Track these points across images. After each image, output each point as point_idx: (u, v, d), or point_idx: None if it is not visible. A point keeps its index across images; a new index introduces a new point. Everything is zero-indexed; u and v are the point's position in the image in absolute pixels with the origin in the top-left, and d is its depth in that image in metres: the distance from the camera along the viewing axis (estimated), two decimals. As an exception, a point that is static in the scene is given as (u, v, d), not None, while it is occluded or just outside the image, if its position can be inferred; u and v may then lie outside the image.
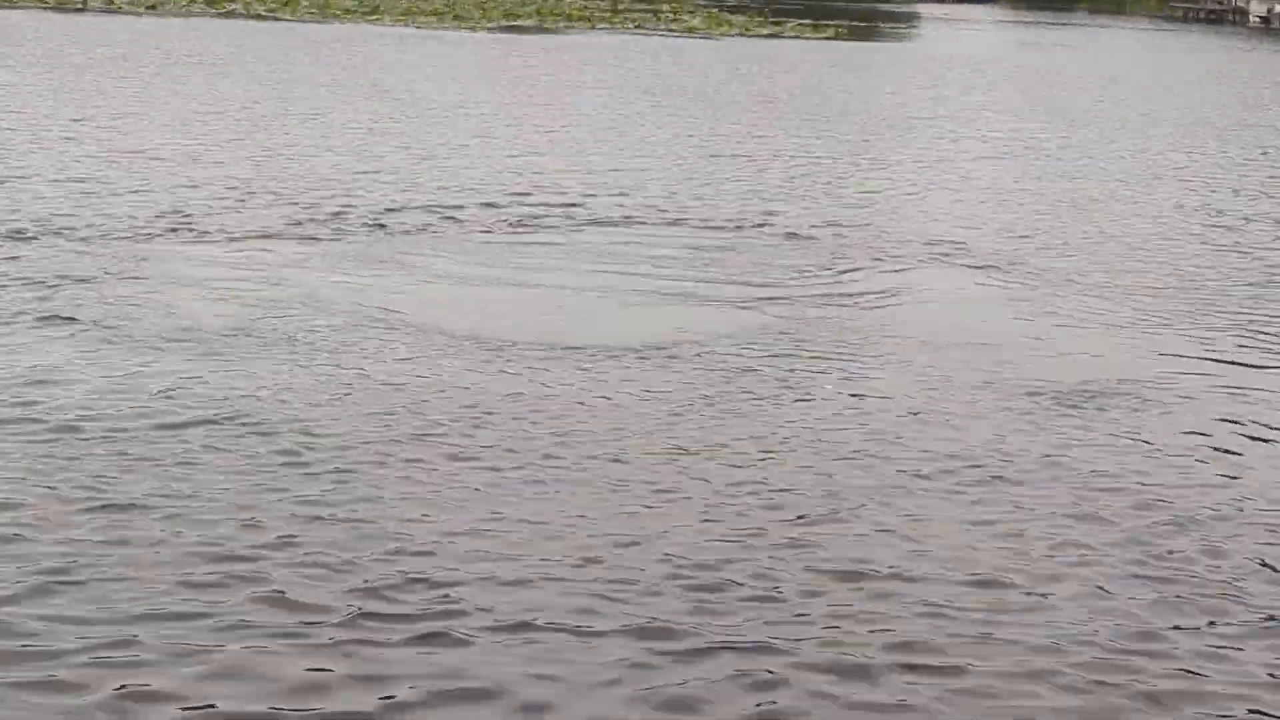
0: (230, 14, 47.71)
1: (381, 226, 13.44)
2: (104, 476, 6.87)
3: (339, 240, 12.77)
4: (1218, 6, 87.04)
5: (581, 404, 8.39)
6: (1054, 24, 76.11)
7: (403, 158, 17.63)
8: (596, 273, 12.09)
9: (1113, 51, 53.76)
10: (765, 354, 9.65)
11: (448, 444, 7.56)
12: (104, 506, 6.52)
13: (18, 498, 6.56)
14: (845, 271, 12.44)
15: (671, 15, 58.30)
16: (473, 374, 8.86)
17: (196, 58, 30.08)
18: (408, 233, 13.25)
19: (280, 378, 8.55)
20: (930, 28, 67.67)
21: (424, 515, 6.61)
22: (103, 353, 8.91)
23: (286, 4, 52.13)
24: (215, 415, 7.81)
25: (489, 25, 48.05)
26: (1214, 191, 18.22)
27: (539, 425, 7.94)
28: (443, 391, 8.45)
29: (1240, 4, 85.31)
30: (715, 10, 62.88)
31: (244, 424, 7.69)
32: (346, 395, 8.31)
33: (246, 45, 34.41)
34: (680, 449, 7.69)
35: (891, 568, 6.28)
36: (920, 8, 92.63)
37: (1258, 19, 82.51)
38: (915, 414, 8.51)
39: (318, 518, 6.53)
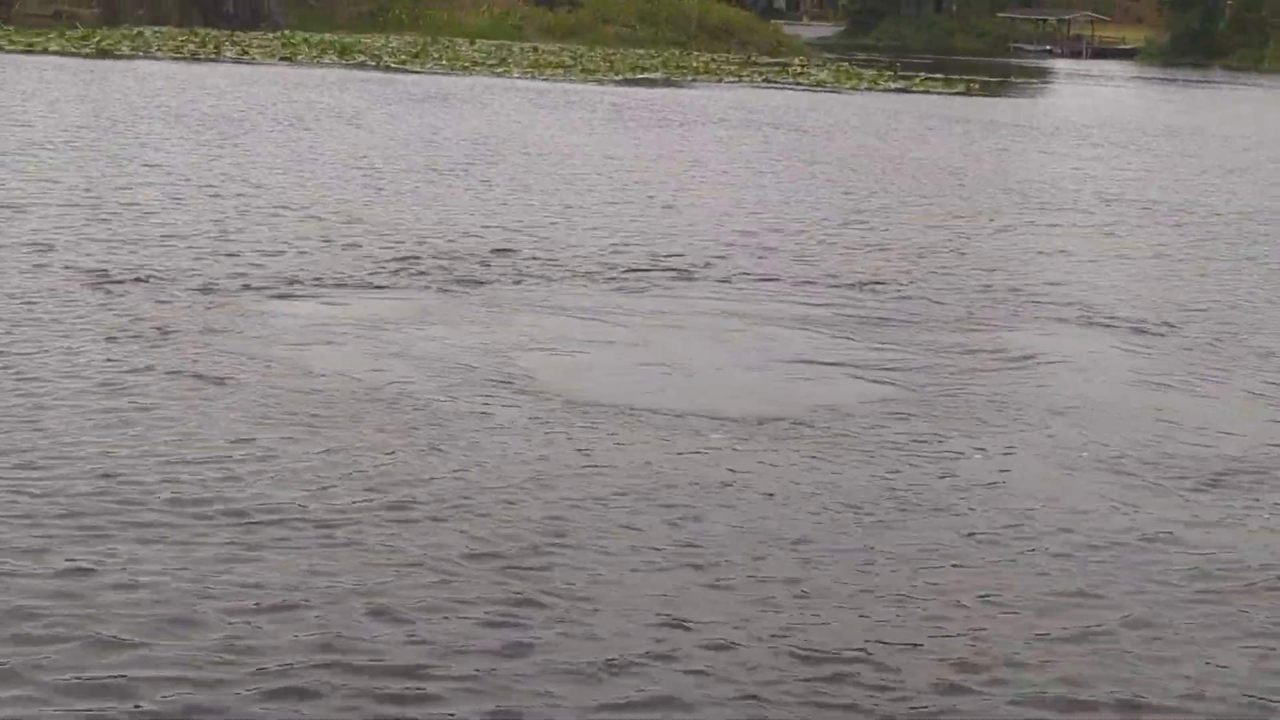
0: (361, 65, 48.01)
1: (507, 279, 13.02)
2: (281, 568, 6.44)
3: (465, 294, 12.34)
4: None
5: (722, 482, 7.84)
6: (1196, 82, 74.73)
7: (532, 211, 17.24)
8: (721, 333, 11.57)
9: (1262, 110, 52.50)
10: (899, 421, 9.07)
11: (629, 537, 7.00)
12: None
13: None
14: (983, 334, 11.80)
15: (799, 69, 57.94)
16: (624, 448, 8.36)
17: (331, 110, 30.06)
18: (532, 286, 12.79)
19: (427, 458, 8.05)
20: (1065, 84, 66.61)
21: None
22: (252, 427, 8.49)
23: (416, 55, 52.50)
24: (376, 499, 7.31)
25: (616, 78, 47.92)
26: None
27: (702, 503, 7.43)
28: (593, 468, 7.93)
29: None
30: (845, 64, 62.48)
31: (412, 511, 7.21)
32: (499, 472, 7.80)
33: (377, 95, 34.41)
34: (822, 522, 7.13)
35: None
36: (1054, 63, 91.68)
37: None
38: (1058, 492, 7.89)
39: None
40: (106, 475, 7.37)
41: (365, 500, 7.24)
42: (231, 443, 7.99)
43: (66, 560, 6.31)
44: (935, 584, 6.55)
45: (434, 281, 12.86)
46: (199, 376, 9.31)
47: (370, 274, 13.04)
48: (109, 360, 9.60)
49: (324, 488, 7.38)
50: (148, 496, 7.11)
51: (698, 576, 6.52)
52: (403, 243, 14.61)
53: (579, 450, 8.23)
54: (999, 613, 6.28)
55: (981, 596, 6.44)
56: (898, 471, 8.14)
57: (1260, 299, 14.07)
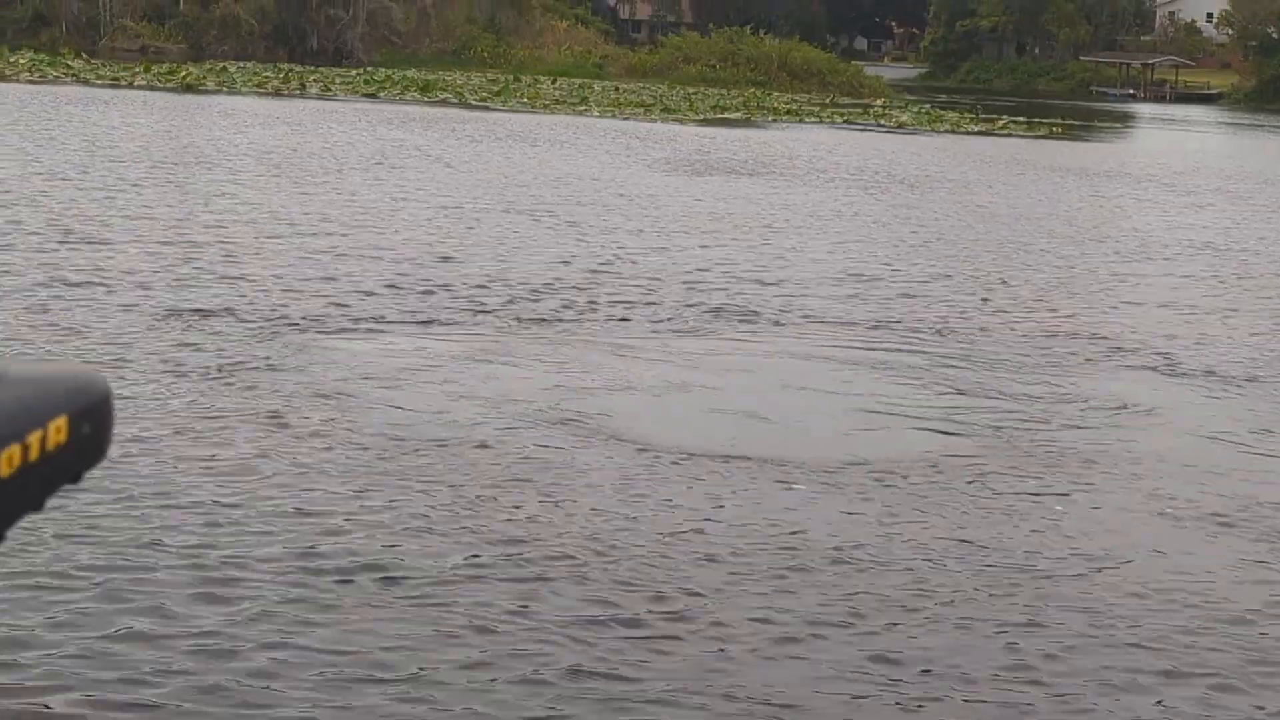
0: (443, 102, 48.27)
1: (593, 320, 12.94)
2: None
3: (549, 335, 12.26)
4: None
5: (804, 532, 7.69)
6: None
7: (612, 252, 17.16)
8: (797, 377, 11.43)
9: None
10: (982, 471, 8.88)
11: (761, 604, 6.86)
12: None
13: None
14: (1069, 383, 11.57)
15: (881, 111, 57.72)
16: (719, 500, 8.22)
17: (416, 148, 30.18)
18: (617, 329, 12.69)
19: (529, 511, 7.94)
20: (1150, 128, 66.00)
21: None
22: (352, 477, 8.42)
23: (498, 93, 52.76)
24: (492, 555, 7.17)
25: (696, 118, 47.90)
26: None
27: (812, 561, 7.27)
28: (698, 523, 7.79)
29: None
30: (927, 106, 62.19)
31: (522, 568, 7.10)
32: (607, 528, 7.65)
33: (461, 134, 34.53)
34: (915, 577, 6.96)
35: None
36: (1137, 107, 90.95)
37: None
38: (1147, 548, 7.69)
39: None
40: (212, 524, 7.26)
41: (480, 556, 7.11)
42: (334, 494, 7.88)
43: (192, 627, 6.21)
44: (1043, 658, 6.38)
45: (518, 322, 12.80)
46: (292, 421, 9.27)
47: (457, 314, 13.01)
48: (202, 403, 9.57)
49: (434, 541, 7.27)
50: (254, 550, 7.00)
51: (826, 650, 6.39)
52: (490, 283, 14.57)
53: (681, 504, 8.05)
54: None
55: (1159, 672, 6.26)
56: (993, 528, 7.97)
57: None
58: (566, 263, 16.14)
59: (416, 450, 8.72)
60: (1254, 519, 8.33)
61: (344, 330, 12.11)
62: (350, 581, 6.66)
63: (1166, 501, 8.58)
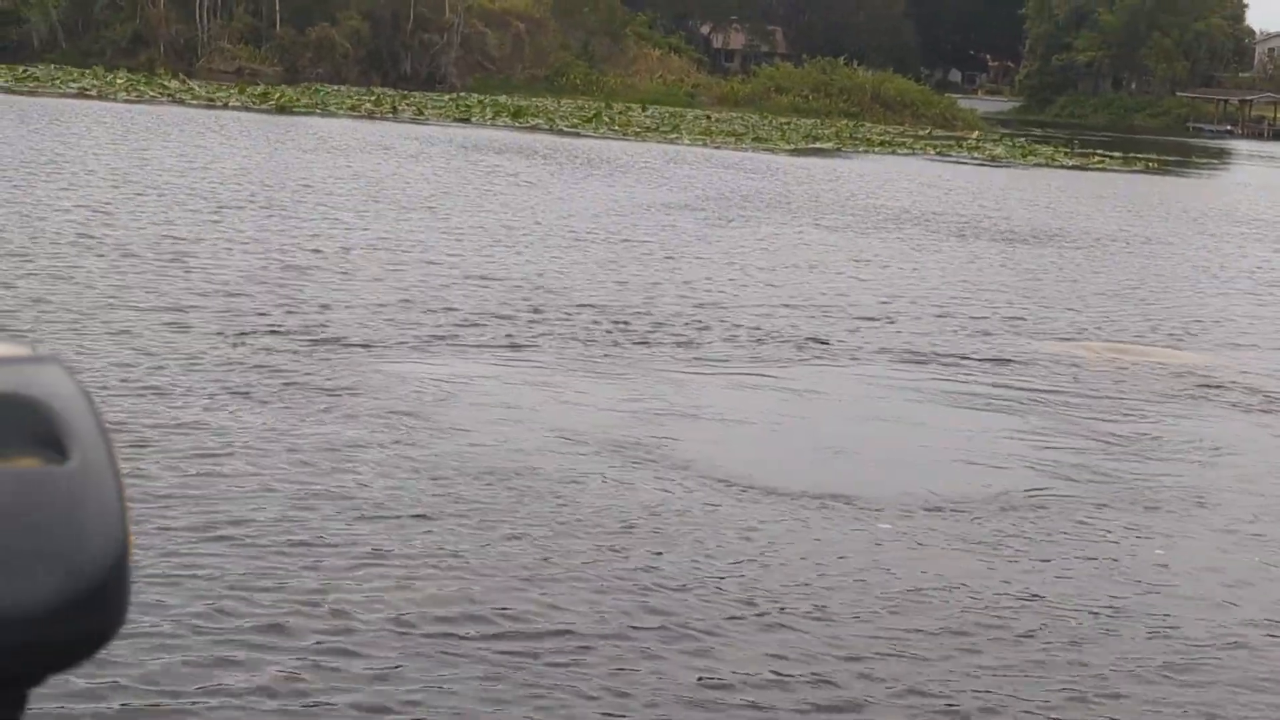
0: (534, 128, 48.39)
1: (665, 346, 12.80)
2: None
3: (628, 363, 12.12)
4: None
5: (915, 583, 7.48)
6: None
7: (701, 281, 17.02)
8: (880, 411, 11.24)
9: None
10: (1073, 508, 8.63)
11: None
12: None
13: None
14: (1151, 423, 11.27)
15: (975, 144, 57.28)
16: (805, 540, 8.03)
17: (509, 174, 30.23)
18: (706, 357, 12.54)
19: (613, 553, 7.78)
20: (1249, 165, 65.02)
21: None
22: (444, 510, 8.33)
23: (589, 120, 52.86)
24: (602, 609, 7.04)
25: (788, 148, 47.71)
26: None
27: (911, 609, 7.08)
28: (788, 561, 7.61)
29: None
30: (1021, 140, 61.67)
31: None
32: (700, 574, 7.42)
33: (553, 160, 34.56)
34: (996, 617, 6.75)
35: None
36: (1235, 144, 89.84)
37: None
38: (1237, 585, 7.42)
39: None
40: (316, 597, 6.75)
41: (599, 608, 6.88)
42: (412, 534, 7.69)
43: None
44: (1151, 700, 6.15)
45: (605, 350, 12.68)
46: (375, 445, 9.19)
47: (550, 341, 12.89)
48: (302, 428, 9.47)
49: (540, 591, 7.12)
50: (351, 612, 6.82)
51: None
52: (580, 311, 14.45)
53: (770, 544, 7.83)
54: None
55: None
56: (1053, 556, 7.73)
57: None
58: (658, 293, 16.00)
59: (500, 486, 8.58)
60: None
61: (433, 355, 12.03)
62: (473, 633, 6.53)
63: (1259, 543, 8.31)
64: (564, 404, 10.59)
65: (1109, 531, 8.33)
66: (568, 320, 13.77)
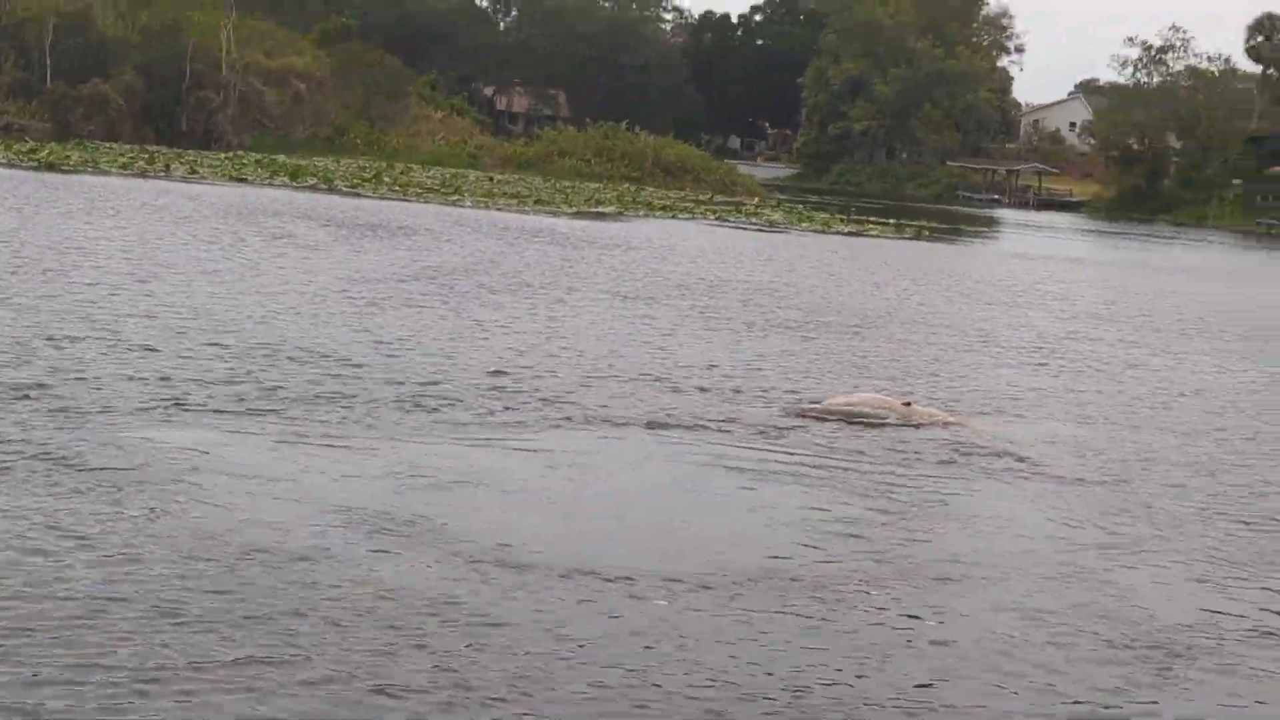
0: (313, 188, 47.75)
1: (422, 414, 12.57)
2: None
3: (364, 429, 11.86)
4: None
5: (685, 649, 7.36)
6: (1144, 236, 75.49)
7: (463, 344, 16.82)
8: (649, 480, 11.14)
9: (1228, 273, 52.84)
10: (845, 580, 8.63)
11: None
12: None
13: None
14: (923, 486, 11.39)
15: (754, 209, 58.12)
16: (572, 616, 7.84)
17: (282, 233, 29.69)
18: (471, 425, 12.34)
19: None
20: (1018, 233, 66.95)
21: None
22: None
23: (369, 180, 52.37)
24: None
25: (571, 211, 47.81)
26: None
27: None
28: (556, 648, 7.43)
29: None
30: (799, 206, 62.77)
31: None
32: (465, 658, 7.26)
33: (335, 222, 34.07)
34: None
35: None
36: (1003, 213, 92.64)
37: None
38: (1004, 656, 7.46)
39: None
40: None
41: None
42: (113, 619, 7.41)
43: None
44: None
45: (368, 418, 12.39)
46: (116, 519, 8.80)
47: (309, 409, 12.55)
48: (29, 503, 9.05)
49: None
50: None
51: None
52: (346, 376, 14.13)
53: (536, 623, 7.66)
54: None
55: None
56: (863, 650, 7.71)
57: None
58: (423, 362, 15.75)
59: (250, 561, 8.27)
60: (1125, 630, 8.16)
61: (184, 422, 11.63)
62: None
63: (1025, 617, 8.39)
64: (322, 475, 10.25)
65: (883, 608, 8.31)
66: (331, 387, 13.39)
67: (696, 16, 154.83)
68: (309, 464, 10.53)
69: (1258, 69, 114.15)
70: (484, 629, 7.39)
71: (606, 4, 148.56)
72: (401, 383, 13.87)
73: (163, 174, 47.13)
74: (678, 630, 7.62)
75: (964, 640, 7.86)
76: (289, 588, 7.77)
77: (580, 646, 7.26)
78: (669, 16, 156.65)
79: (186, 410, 11.93)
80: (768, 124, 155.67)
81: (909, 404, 14.55)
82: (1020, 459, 12.86)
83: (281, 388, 13.14)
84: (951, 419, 14.42)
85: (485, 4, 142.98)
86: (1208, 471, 13.10)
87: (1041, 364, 19.56)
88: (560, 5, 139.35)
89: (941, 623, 8.11)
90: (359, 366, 14.56)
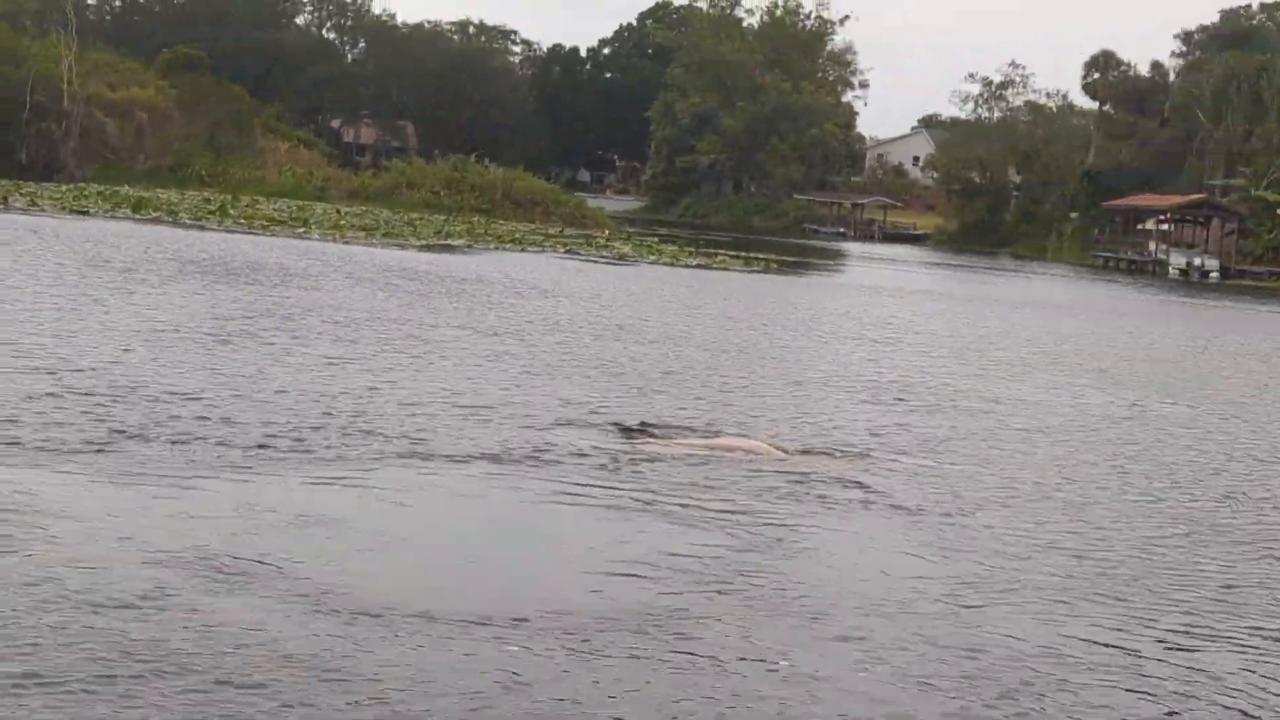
0: (156, 220, 47.05)
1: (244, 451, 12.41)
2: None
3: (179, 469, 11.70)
4: (1139, 257, 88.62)
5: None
6: (987, 269, 76.91)
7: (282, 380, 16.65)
8: (493, 516, 11.12)
9: (1070, 309, 53.94)
10: (688, 617, 8.66)
11: None
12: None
13: None
14: (771, 519, 11.49)
15: (603, 242, 58.39)
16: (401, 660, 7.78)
17: (108, 263, 29.17)
18: (319, 462, 12.20)
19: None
20: (865, 266, 67.94)
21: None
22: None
23: (213, 213, 51.73)
24: None
25: (419, 243, 47.63)
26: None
27: None
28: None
29: (1161, 256, 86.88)
30: (650, 239, 63.17)
31: None
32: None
33: (179, 256, 33.55)
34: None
35: None
36: (849, 245, 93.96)
37: (1177, 271, 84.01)
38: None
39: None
40: None
41: None
42: None
43: None
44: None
45: (205, 457, 12.20)
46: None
47: (144, 449, 12.32)
48: None
49: None
50: None
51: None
52: (182, 416, 13.91)
53: (383, 671, 7.59)
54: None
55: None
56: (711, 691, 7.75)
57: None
58: (260, 400, 15.54)
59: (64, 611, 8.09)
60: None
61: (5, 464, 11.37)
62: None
63: (865, 652, 8.49)
64: (158, 515, 9.99)
65: (733, 646, 8.31)
66: (173, 426, 13.12)
67: (545, 49, 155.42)
68: (144, 504, 10.29)
69: (1094, 105, 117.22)
70: (326, 678, 7.25)
71: (455, 36, 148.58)
72: (244, 421, 13.63)
73: (0, 206, 46.12)
74: (530, 674, 7.58)
75: (812, 677, 7.91)
76: (112, 636, 7.54)
77: (430, 695, 7.20)
78: (517, 49, 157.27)
79: (18, 449, 11.63)
80: (616, 157, 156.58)
81: (759, 440, 14.67)
82: (871, 493, 12.98)
83: (117, 426, 12.85)
84: (802, 453, 14.57)
85: (332, 36, 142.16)
86: (1060, 505, 13.33)
87: (899, 399, 19.74)
88: (408, 37, 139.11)
89: (789, 661, 8.16)
90: (203, 404, 14.30)
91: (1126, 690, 8.18)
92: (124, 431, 12.65)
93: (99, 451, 11.82)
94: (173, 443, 12.42)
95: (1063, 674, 8.36)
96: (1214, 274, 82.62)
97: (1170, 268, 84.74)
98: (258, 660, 7.40)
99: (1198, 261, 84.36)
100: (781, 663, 8.13)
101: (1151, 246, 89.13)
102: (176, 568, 8.81)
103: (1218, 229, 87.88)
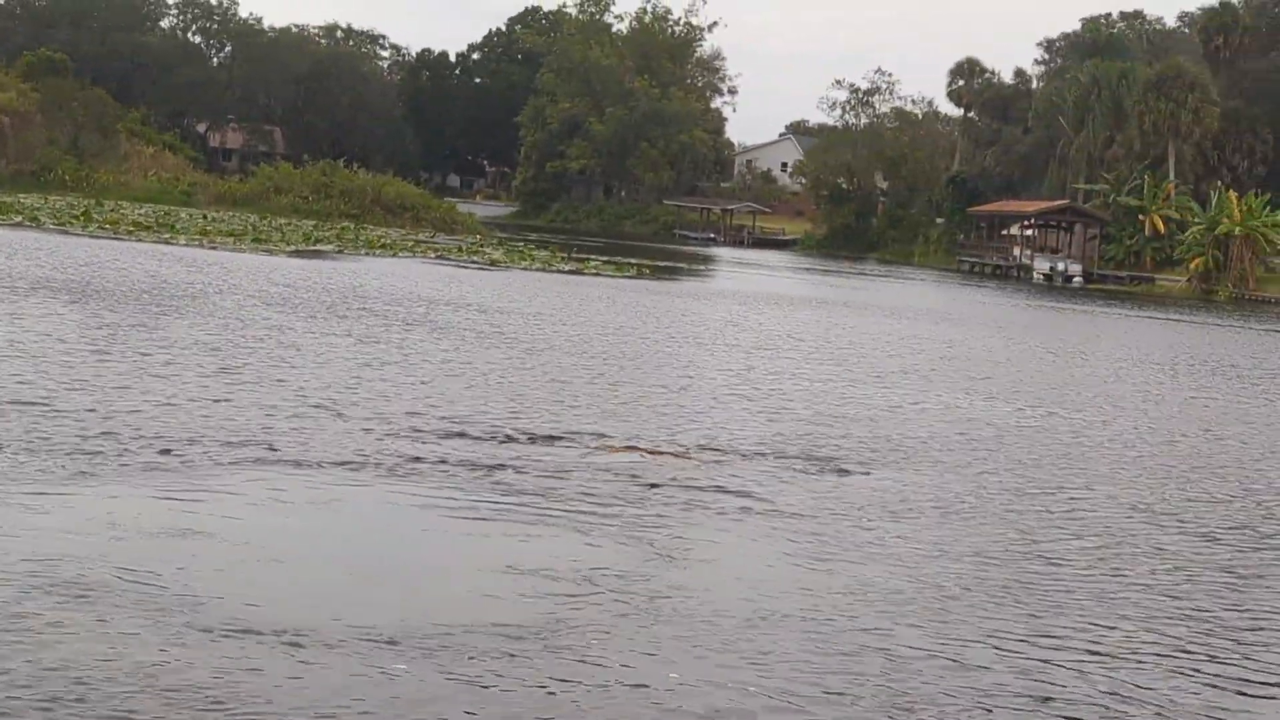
0: (19, 225, 46.14)
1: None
2: None
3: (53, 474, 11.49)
4: (1003, 262, 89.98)
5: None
6: (857, 274, 77.63)
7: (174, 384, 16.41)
8: (366, 525, 11.03)
9: (933, 317, 54.51)
10: (581, 629, 8.67)
11: None
12: None
13: None
14: (667, 526, 11.52)
15: (475, 247, 58.21)
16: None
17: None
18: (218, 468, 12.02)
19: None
20: (736, 271, 68.26)
21: None
22: None
23: (78, 218, 50.85)
24: None
25: (289, 249, 47.15)
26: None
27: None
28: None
29: (1025, 261, 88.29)
30: (521, 244, 63.07)
31: None
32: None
33: (46, 263, 32.88)
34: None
35: None
36: (718, 251, 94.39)
37: (1041, 275, 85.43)
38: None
39: None
40: None
41: None
42: None
43: None
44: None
45: (72, 465, 11.98)
46: None
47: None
48: None
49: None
50: None
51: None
52: (51, 425, 13.64)
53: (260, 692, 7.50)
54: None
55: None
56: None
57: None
58: (124, 408, 15.30)
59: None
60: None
61: None
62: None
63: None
64: (14, 527, 9.84)
65: (617, 656, 8.32)
66: (34, 434, 12.91)
67: (414, 54, 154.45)
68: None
69: (959, 112, 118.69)
70: (202, 705, 7.14)
71: (322, 41, 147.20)
72: (108, 431, 13.39)
73: None
74: (418, 694, 7.52)
75: (696, 688, 7.92)
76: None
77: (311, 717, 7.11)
78: (386, 54, 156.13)
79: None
80: (486, 162, 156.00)
81: (637, 447, 14.70)
82: (755, 500, 13.02)
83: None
84: (685, 461, 14.62)
85: (198, 39, 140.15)
86: (946, 510, 13.48)
87: (785, 406, 19.86)
88: (275, 41, 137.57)
89: (675, 674, 8.16)
90: (65, 414, 14.03)
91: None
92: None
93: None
94: (33, 452, 12.15)
95: (949, 689, 8.43)
96: (1077, 279, 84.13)
97: (1035, 273, 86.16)
98: (121, 686, 7.19)
99: (1061, 266, 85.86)
100: (670, 674, 8.12)
101: (1016, 252, 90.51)
102: (32, 584, 8.58)
103: (1080, 234, 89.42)
